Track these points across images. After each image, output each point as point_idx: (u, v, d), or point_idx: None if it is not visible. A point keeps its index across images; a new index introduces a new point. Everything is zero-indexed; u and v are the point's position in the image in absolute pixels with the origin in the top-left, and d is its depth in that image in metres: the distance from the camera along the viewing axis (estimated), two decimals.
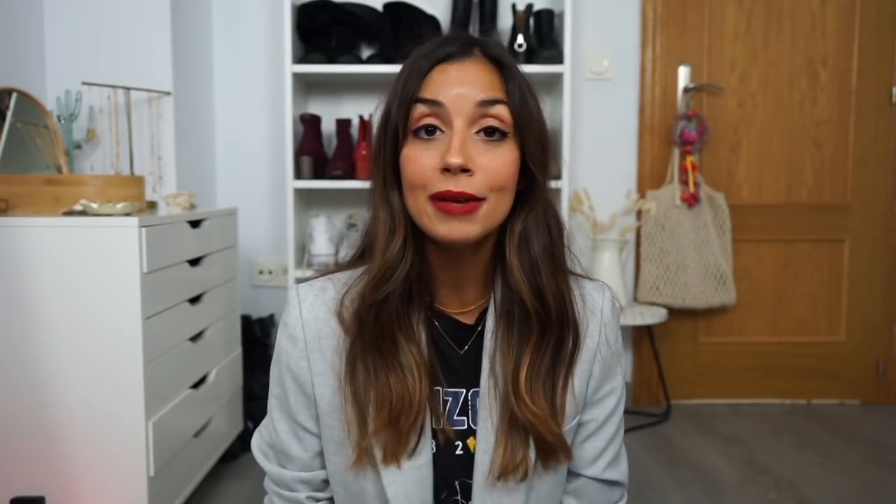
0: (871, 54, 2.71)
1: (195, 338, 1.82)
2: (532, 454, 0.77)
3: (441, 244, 0.74)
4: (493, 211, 0.72)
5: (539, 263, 0.76)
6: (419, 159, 0.71)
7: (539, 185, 0.76)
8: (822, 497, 1.97)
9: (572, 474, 0.86)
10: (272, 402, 0.84)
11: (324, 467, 0.83)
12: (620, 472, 0.87)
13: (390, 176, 0.75)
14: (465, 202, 0.70)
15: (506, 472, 0.76)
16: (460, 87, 0.71)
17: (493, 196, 0.72)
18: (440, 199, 0.70)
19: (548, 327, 0.76)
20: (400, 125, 0.73)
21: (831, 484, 2.06)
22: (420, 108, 0.72)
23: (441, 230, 0.71)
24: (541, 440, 0.76)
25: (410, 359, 0.76)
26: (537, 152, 0.75)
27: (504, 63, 0.75)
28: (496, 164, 0.71)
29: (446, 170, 0.70)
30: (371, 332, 0.75)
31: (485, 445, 0.78)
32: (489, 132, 0.72)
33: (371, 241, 0.78)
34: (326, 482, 0.84)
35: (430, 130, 0.72)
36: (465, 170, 0.70)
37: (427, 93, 0.72)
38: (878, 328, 2.81)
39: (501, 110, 0.72)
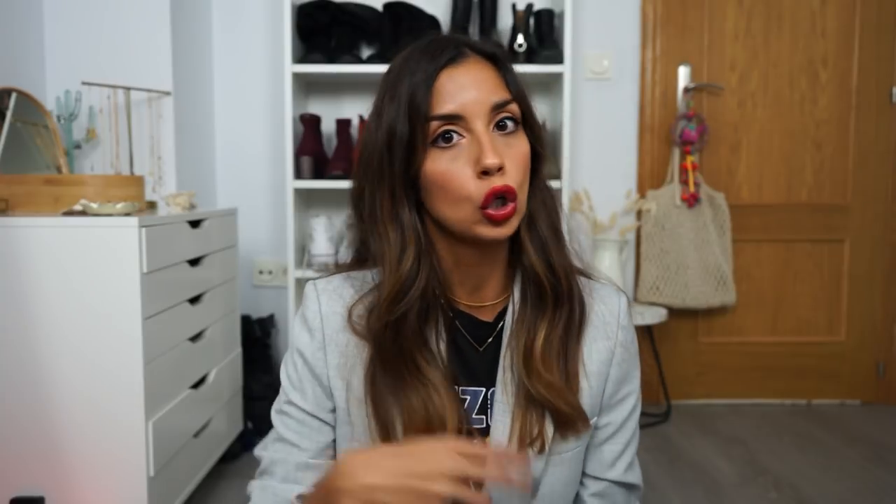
0: (871, 54, 2.71)
1: (195, 338, 1.82)
2: (549, 429, 0.78)
3: (477, 244, 0.76)
4: (522, 203, 0.75)
5: (547, 241, 0.79)
6: (453, 170, 0.72)
7: (542, 165, 0.80)
8: (822, 497, 1.97)
9: (593, 478, 0.86)
10: (282, 395, 0.83)
11: (333, 458, 0.83)
12: (637, 476, 0.88)
13: (400, 192, 0.75)
14: (505, 203, 0.72)
15: (523, 443, 0.77)
16: (473, 91, 0.73)
17: (521, 189, 0.74)
18: (488, 205, 0.71)
19: (560, 300, 0.79)
20: (419, 140, 0.72)
21: (831, 484, 2.06)
22: (437, 124, 0.72)
23: (489, 233, 0.73)
24: (557, 412, 0.77)
25: (436, 380, 0.76)
26: (538, 135, 0.78)
27: (498, 57, 0.77)
28: (519, 156, 0.74)
29: (484, 173, 0.71)
30: (390, 354, 0.75)
31: (498, 435, 0.78)
32: (502, 125, 0.74)
33: (376, 254, 0.77)
34: None
35: (448, 137, 0.73)
36: (499, 168, 0.71)
37: (443, 106, 0.72)
38: (878, 328, 2.81)
39: (512, 107, 0.74)
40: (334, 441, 0.82)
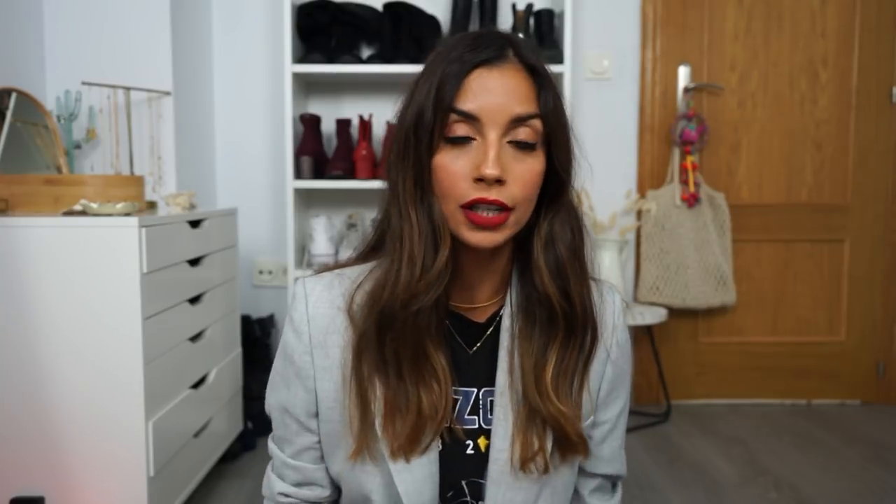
0: (871, 54, 2.71)
1: (195, 338, 1.82)
2: (549, 446, 0.78)
3: (466, 246, 0.75)
4: (520, 219, 0.74)
5: (566, 264, 0.76)
6: (452, 167, 0.72)
7: (564, 189, 0.78)
8: (822, 497, 1.97)
9: (591, 475, 0.88)
10: (269, 391, 0.85)
11: (314, 462, 0.84)
12: (624, 463, 0.91)
13: (425, 179, 0.74)
14: (497, 212, 0.71)
15: (525, 462, 0.77)
16: (497, 97, 0.71)
17: (521, 206, 0.73)
18: (471, 207, 0.71)
19: (574, 327, 0.77)
20: (437, 131, 0.72)
21: (831, 484, 2.06)
22: (454, 117, 0.72)
23: (471, 238, 0.72)
24: (564, 437, 0.77)
25: (438, 366, 0.76)
26: (564, 158, 0.76)
27: (538, 70, 0.75)
28: (527, 174, 0.72)
29: (480, 179, 0.70)
30: (406, 342, 0.74)
31: (500, 443, 0.78)
32: (520, 143, 0.72)
33: (396, 232, 0.75)
34: (316, 478, 0.85)
35: (463, 138, 0.72)
36: (498, 181, 0.70)
37: (465, 103, 0.71)
38: (878, 328, 2.81)
39: (535, 123, 0.73)
40: (318, 443, 0.83)
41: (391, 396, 0.75)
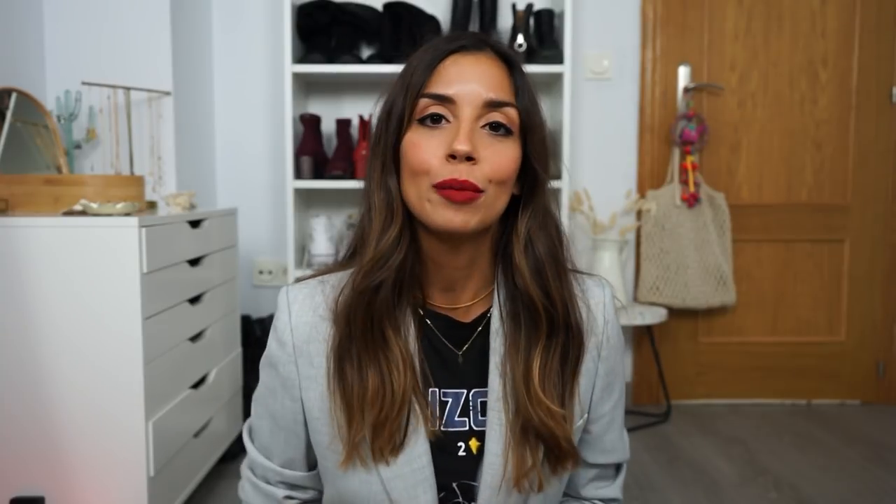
0: (871, 54, 2.71)
1: (195, 338, 1.82)
2: (539, 460, 0.77)
3: (438, 235, 0.74)
4: (492, 204, 0.72)
5: (545, 265, 0.76)
6: (423, 145, 0.71)
7: (541, 187, 0.77)
8: (822, 497, 1.97)
9: (588, 465, 0.87)
10: (257, 399, 0.85)
11: (305, 469, 0.84)
12: (627, 448, 0.90)
13: (389, 162, 0.75)
14: (467, 191, 0.70)
15: (519, 479, 0.76)
16: (472, 80, 0.72)
17: (493, 188, 0.72)
18: (444, 186, 0.70)
19: (555, 329, 0.76)
20: (406, 114, 0.73)
21: (831, 484, 2.06)
22: (427, 101, 0.72)
23: (439, 219, 0.71)
24: (555, 446, 0.76)
25: (397, 352, 0.75)
26: (540, 153, 0.76)
27: (514, 62, 0.76)
28: (500, 157, 0.72)
29: (451, 157, 0.69)
30: (360, 323, 0.74)
31: (495, 447, 0.77)
32: (495, 127, 0.72)
33: (363, 234, 0.76)
34: (308, 484, 0.85)
35: (436, 119, 0.72)
36: (469, 158, 0.70)
37: (438, 86, 0.72)
38: (878, 328, 2.81)
39: (509, 111, 0.73)
40: (307, 452, 0.83)
41: (360, 390, 0.74)
